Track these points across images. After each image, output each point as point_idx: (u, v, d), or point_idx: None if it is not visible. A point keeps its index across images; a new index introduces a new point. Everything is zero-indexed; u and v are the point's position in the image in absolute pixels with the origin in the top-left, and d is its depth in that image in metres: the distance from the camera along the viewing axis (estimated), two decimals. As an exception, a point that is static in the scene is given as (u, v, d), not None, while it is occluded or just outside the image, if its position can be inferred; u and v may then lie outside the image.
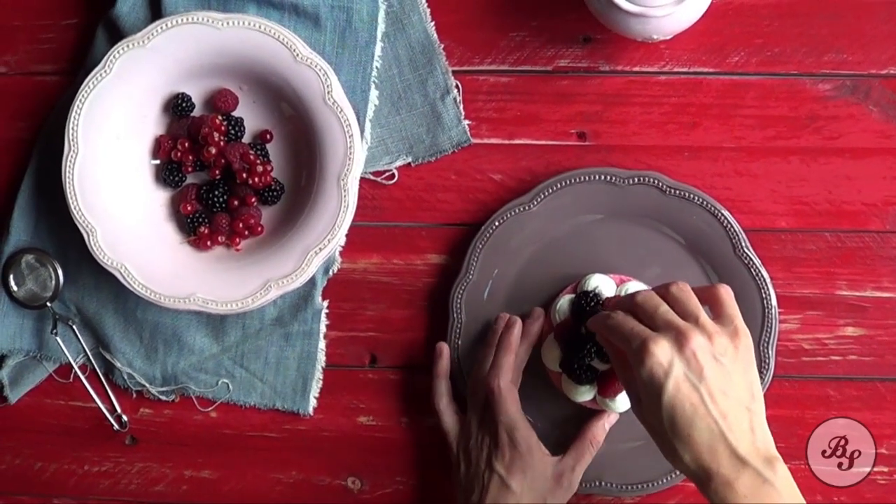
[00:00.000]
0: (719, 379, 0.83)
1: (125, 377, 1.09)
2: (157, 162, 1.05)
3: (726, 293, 0.88)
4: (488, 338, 1.04)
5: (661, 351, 0.83)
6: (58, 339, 1.08)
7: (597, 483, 1.05)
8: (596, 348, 0.99)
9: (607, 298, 0.98)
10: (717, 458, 0.81)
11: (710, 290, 0.88)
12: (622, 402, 1.01)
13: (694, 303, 0.86)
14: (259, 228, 1.05)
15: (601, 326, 0.90)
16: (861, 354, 1.05)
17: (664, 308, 0.86)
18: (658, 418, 0.83)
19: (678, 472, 1.04)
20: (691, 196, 1.03)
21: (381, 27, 1.05)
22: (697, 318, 0.85)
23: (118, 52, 1.00)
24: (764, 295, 1.03)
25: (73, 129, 1.01)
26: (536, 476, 0.99)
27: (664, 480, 1.05)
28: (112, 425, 1.09)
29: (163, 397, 1.09)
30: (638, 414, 0.87)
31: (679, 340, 0.83)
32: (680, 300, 0.87)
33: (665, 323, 0.85)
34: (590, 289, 1.01)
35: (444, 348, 1.05)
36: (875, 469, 1.06)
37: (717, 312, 0.87)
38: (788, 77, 1.04)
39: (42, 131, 1.08)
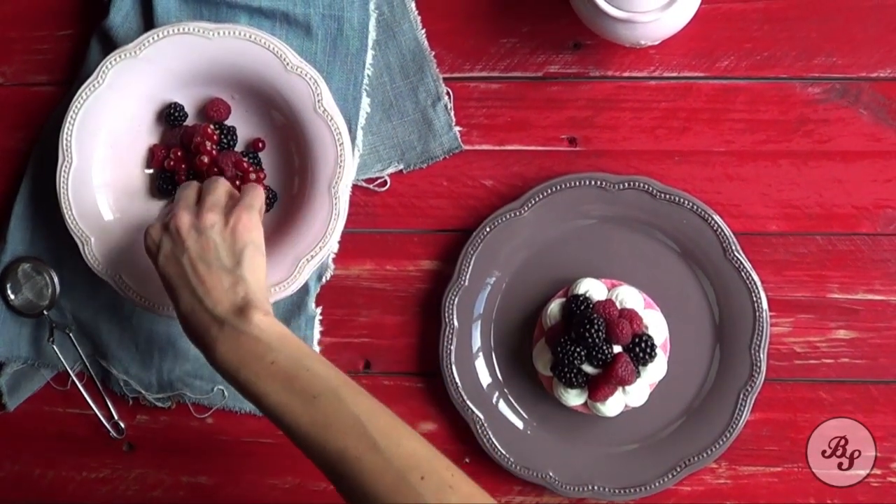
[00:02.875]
0: (199, 249, 0.92)
1: (121, 384, 1.10)
2: (151, 171, 1.06)
3: (248, 186, 0.99)
4: None
5: (154, 231, 0.94)
6: (54, 347, 1.09)
7: (589, 487, 1.05)
8: (586, 352, 1.00)
9: None
10: (201, 324, 0.90)
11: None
12: (613, 405, 1.02)
13: (212, 187, 0.96)
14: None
15: None
16: (853, 357, 1.05)
17: (183, 193, 0.96)
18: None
19: (672, 475, 1.05)
20: (682, 200, 1.03)
21: (372, 35, 1.06)
22: (205, 200, 0.95)
23: (111, 62, 1.01)
24: (755, 298, 1.03)
25: (66, 139, 1.02)
26: None
27: (657, 484, 1.05)
28: (109, 432, 1.10)
29: (159, 404, 1.10)
30: None
31: (167, 220, 0.94)
32: (204, 188, 0.97)
33: (172, 209, 0.96)
34: (580, 293, 1.02)
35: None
36: (871, 471, 1.06)
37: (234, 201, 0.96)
38: (778, 81, 1.05)
39: (37, 142, 1.09)
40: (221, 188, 0.97)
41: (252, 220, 0.94)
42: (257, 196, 0.97)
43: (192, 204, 0.95)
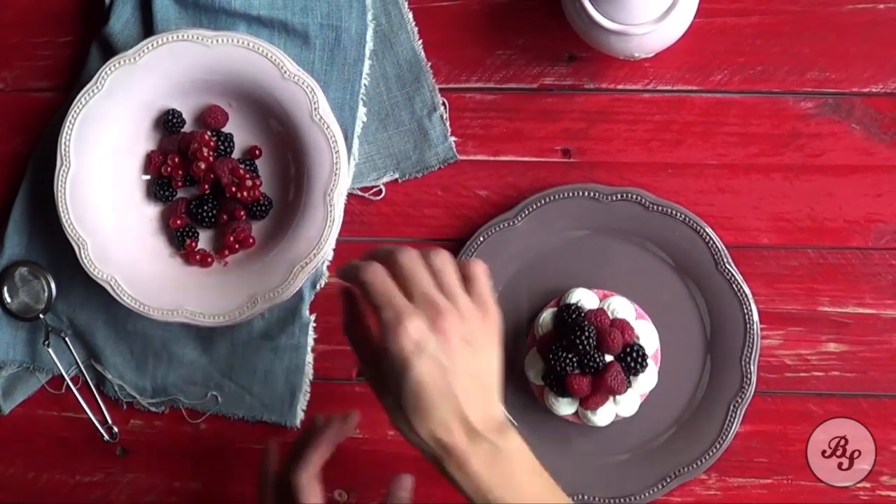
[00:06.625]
0: (465, 360, 0.84)
1: (116, 389, 1.10)
2: (148, 177, 1.07)
3: (482, 271, 0.89)
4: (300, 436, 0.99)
5: (415, 328, 0.83)
6: (50, 350, 1.09)
7: (579, 497, 1.05)
8: (578, 360, 1.00)
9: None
10: (454, 434, 0.83)
11: (467, 266, 0.89)
12: (603, 415, 1.02)
13: (454, 278, 0.87)
14: (250, 241, 1.06)
15: (354, 277, 0.87)
16: (843, 370, 1.06)
17: (427, 281, 0.86)
18: (399, 391, 0.84)
19: (662, 486, 1.05)
20: (674, 212, 1.04)
21: (369, 45, 1.07)
22: (455, 297, 0.86)
23: (110, 68, 1.02)
24: (746, 311, 1.04)
25: (65, 144, 1.03)
26: None
27: (647, 494, 1.05)
28: (103, 436, 1.10)
29: (153, 409, 1.10)
30: (371, 378, 0.89)
31: (434, 320, 0.84)
32: (442, 273, 0.87)
33: (425, 297, 0.85)
34: (572, 302, 1.02)
35: (336, 421, 0.98)
36: (859, 484, 1.06)
37: (469, 289, 0.88)
38: (771, 95, 1.06)
39: (36, 146, 1.10)
40: (456, 274, 0.88)
41: (499, 323, 0.89)
42: (487, 283, 0.89)
43: (447, 302, 0.85)
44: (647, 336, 1.03)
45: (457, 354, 0.84)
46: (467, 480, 0.84)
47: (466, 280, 0.88)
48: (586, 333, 0.99)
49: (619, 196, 1.05)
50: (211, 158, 1.04)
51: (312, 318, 1.09)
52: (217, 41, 1.02)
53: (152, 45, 1.02)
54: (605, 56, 1.04)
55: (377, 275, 0.86)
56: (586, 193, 1.05)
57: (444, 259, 0.87)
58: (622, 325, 1.02)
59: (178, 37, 1.02)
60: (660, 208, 1.04)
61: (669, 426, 1.06)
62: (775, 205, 1.06)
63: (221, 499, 1.11)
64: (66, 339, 1.10)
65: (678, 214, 1.04)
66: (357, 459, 1.10)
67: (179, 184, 1.06)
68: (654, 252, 1.05)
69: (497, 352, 0.88)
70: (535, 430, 1.06)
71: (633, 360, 1.01)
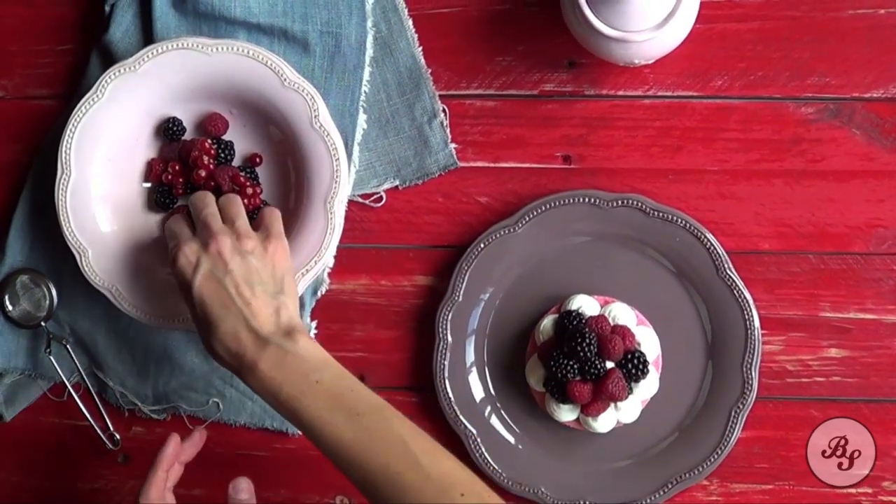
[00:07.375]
0: (244, 272, 0.93)
1: (118, 396, 1.10)
2: (149, 185, 1.07)
3: (269, 212, 0.99)
4: None
5: (190, 250, 0.94)
6: (51, 358, 1.09)
7: (581, 503, 1.05)
8: (579, 366, 1.00)
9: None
10: (243, 343, 0.90)
11: (259, 213, 1.00)
12: (605, 421, 1.02)
13: (235, 210, 0.98)
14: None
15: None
16: (844, 376, 1.06)
17: (208, 211, 0.97)
18: (192, 312, 0.94)
19: (663, 492, 1.05)
20: (675, 218, 1.04)
21: (369, 52, 1.07)
22: (234, 222, 0.96)
23: (110, 76, 1.02)
24: (747, 316, 1.04)
25: (65, 152, 1.03)
26: None
27: (648, 500, 1.05)
28: (105, 443, 1.11)
29: (154, 416, 1.11)
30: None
31: (207, 240, 0.94)
32: (224, 207, 0.98)
33: (203, 224, 0.96)
34: (573, 309, 1.02)
35: (173, 438, 1.00)
36: (860, 490, 1.06)
37: (259, 226, 0.98)
38: (772, 100, 1.06)
39: (37, 154, 1.10)
40: (242, 209, 0.99)
41: (287, 249, 0.97)
42: (280, 221, 0.99)
43: (223, 226, 0.96)
44: (648, 342, 1.03)
45: (232, 267, 0.92)
46: (259, 384, 0.90)
47: (258, 223, 0.98)
48: (587, 340, 0.99)
49: (619, 202, 1.04)
50: (211, 166, 1.04)
51: (314, 324, 1.09)
52: (217, 49, 1.02)
53: (152, 53, 1.02)
54: (605, 62, 1.04)
55: (172, 220, 0.99)
56: (587, 200, 1.05)
57: (229, 198, 0.99)
58: (623, 332, 1.02)
59: (178, 45, 1.02)
60: (660, 214, 1.04)
61: (671, 432, 1.06)
62: (776, 210, 1.06)
63: (223, 505, 1.12)
64: (68, 346, 1.10)
65: (679, 220, 1.04)
66: (359, 466, 1.10)
67: (180, 191, 1.06)
68: (654, 258, 1.05)
69: (284, 264, 0.96)
70: (535, 437, 1.06)
71: (634, 366, 1.01)
